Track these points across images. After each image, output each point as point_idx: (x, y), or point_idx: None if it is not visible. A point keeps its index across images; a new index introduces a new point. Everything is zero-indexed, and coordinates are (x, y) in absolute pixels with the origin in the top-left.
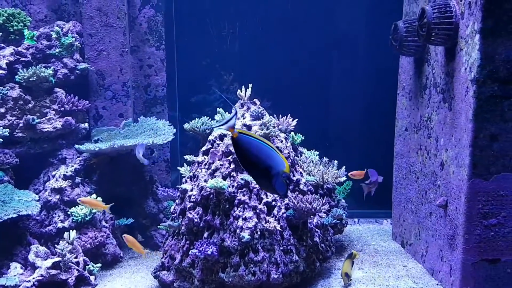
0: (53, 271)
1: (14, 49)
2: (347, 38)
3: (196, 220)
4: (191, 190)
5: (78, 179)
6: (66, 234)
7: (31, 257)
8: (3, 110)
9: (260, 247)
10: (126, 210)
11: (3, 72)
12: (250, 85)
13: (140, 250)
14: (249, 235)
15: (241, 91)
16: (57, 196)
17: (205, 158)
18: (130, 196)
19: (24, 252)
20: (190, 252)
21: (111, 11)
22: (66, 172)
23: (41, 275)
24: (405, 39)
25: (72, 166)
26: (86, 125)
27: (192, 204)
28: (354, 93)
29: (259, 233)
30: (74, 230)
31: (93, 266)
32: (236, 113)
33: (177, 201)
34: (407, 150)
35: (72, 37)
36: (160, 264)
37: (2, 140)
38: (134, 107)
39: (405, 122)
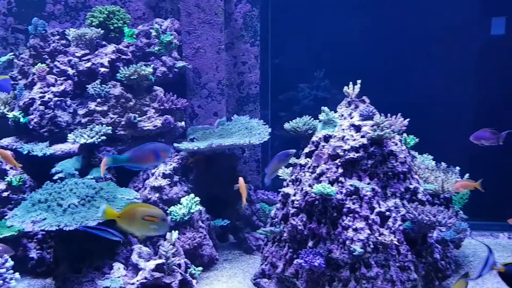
0: (156, 274)
1: (115, 47)
2: (454, 28)
3: (299, 228)
4: (294, 195)
5: (176, 178)
6: (168, 235)
7: (134, 257)
8: (105, 108)
9: (373, 262)
10: (220, 210)
11: (106, 70)
12: (359, 81)
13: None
14: (361, 248)
15: (348, 88)
16: (157, 195)
17: (308, 161)
18: (224, 197)
19: (125, 251)
20: (294, 262)
21: (208, 7)
22: (165, 171)
23: (145, 278)
24: None
25: (171, 164)
26: (183, 123)
27: (295, 210)
28: (468, 88)
29: (372, 246)
30: (176, 231)
31: (194, 269)
32: (491, 253)
33: (277, 205)
34: None
35: (171, 35)
36: (260, 271)
37: (106, 138)
38: (227, 106)
39: None
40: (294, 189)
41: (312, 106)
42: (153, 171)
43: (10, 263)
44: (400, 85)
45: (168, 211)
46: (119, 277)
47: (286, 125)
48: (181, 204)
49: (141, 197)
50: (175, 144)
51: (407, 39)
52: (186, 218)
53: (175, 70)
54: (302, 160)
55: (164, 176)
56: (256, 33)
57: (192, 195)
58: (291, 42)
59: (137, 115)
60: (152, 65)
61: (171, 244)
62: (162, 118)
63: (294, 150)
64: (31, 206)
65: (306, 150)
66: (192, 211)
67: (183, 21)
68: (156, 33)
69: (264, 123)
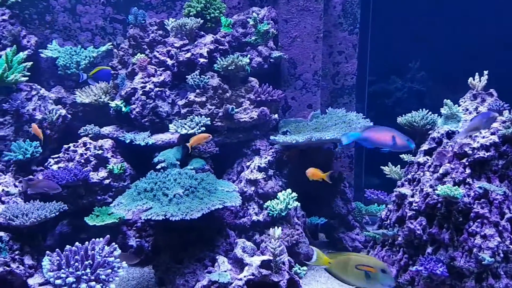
0: (264, 271)
1: (213, 37)
2: None
3: (418, 232)
4: (412, 196)
5: (270, 172)
6: (271, 230)
7: (239, 252)
8: (204, 98)
9: (502, 272)
10: (314, 207)
11: (205, 60)
12: (486, 72)
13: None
14: (491, 257)
15: (473, 80)
16: (252, 188)
17: (427, 159)
18: (318, 193)
19: (225, 244)
20: (410, 268)
21: None
22: (260, 164)
23: (252, 274)
24: None
25: (266, 157)
26: (276, 116)
27: (413, 212)
28: None
29: (501, 255)
30: (280, 227)
31: (299, 269)
32: None
33: (390, 206)
34: None
35: (268, 24)
36: None
37: (204, 129)
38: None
39: None
40: (411, 190)
41: (406, 100)
42: (247, 163)
43: (118, 251)
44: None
45: (264, 206)
46: (225, 271)
47: (400, 119)
48: (278, 199)
49: (238, 190)
50: (271, 137)
51: None
52: (283, 214)
53: (271, 60)
54: (421, 158)
55: (260, 169)
56: (356, 20)
57: (289, 190)
58: (392, 31)
59: (234, 107)
60: (248, 56)
61: (274, 239)
62: (258, 110)
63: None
64: (137, 194)
65: (425, 147)
66: (289, 207)
67: (281, 9)
68: (254, 22)
69: (364, 116)
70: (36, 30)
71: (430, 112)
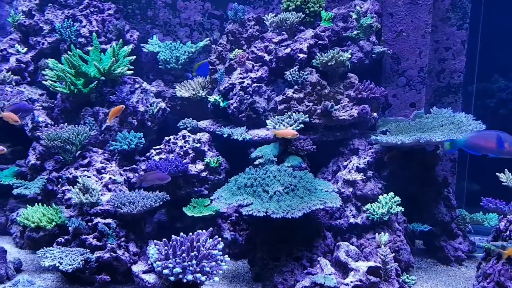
0: (373, 278)
1: (313, 31)
2: None
3: None
4: None
5: (369, 173)
6: (377, 236)
7: (342, 255)
8: (301, 95)
9: None
10: (413, 213)
11: (304, 56)
12: None
13: None
14: None
15: None
16: (350, 189)
17: None
18: (418, 198)
19: (323, 245)
20: None
21: None
22: (359, 164)
23: (360, 280)
24: None
25: (365, 158)
26: (376, 114)
27: None
28: None
29: None
30: (386, 233)
31: (408, 278)
32: None
33: (509, 217)
34: None
35: (372, 18)
36: None
37: (303, 126)
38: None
39: None
40: None
41: (510, 101)
42: (344, 163)
43: (221, 245)
44: None
45: (363, 209)
46: (330, 274)
47: None
48: (379, 202)
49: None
50: (372, 137)
51: None
52: (385, 219)
53: (373, 55)
54: None
55: (358, 170)
56: (466, 15)
57: (391, 193)
58: (504, 27)
59: (334, 104)
60: (349, 51)
61: (381, 246)
62: (358, 108)
63: None
64: (237, 189)
65: None
66: (392, 211)
67: (386, 2)
68: (357, 16)
69: (475, 117)
70: (138, 25)
71: None
